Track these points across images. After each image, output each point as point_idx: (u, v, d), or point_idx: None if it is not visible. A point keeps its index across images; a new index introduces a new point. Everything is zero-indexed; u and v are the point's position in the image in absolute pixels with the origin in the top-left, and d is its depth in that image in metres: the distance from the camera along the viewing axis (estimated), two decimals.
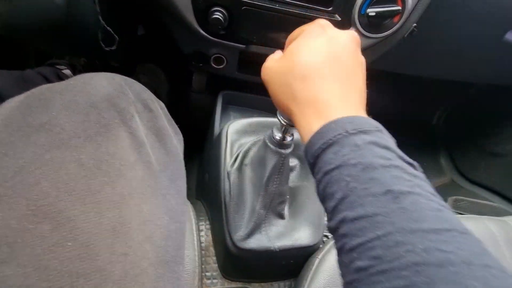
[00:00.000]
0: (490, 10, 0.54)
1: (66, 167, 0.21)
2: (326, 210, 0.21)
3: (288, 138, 0.36)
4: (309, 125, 0.23)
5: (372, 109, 1.14)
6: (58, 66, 0.70)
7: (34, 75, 0.58)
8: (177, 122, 0.38)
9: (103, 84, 0.27)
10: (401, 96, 1.23)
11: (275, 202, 0.40)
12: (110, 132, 0.25)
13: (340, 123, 0.21)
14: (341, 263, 0.20)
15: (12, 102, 0.23)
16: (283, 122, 0.32)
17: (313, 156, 0.22)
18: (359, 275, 0.18)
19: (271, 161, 0.37)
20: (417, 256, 0.16)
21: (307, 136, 0.23)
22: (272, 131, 0.36)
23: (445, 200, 1.03)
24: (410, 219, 0.17)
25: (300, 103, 0.24)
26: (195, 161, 0.83)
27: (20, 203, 0.19)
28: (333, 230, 0.20)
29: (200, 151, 0.79)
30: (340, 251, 0.20)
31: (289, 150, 0.37)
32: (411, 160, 0.21)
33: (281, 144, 0.36)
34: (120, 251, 0.22)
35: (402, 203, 0.18)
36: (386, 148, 0.20)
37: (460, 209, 0.97)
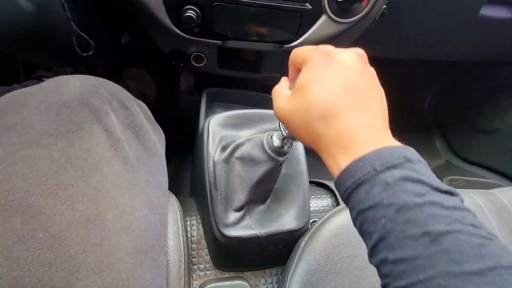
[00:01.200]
0: None
1: (37, 164, 0.22)
2: (366, 244, 0.21)
3: (286, 147, 0.36)
4: (336, 161, 0.22)
5: None
6: (44, 79, 0.71)
7: (20, 88, 0.59)
8: (168, 123, 0.39)
9: (76, 84, 0.28)
10: (391, 82, 1.23)
11: (261, 195, 0.41)
12: (83, 129, 0.26)
13: (368, 160, 0.20)
14: None
15: None
16: (284, 134, 0.31)
17: (344, 194, 0.22)
18: None
19: (265, 165, 0.37)
20: None
21: (335, 173, 0.22)
22: (271, 137, 0.36)
23: (441, 181, 1.03)
24: (451, 262, 0.17)
25: (323, 141, 0.23)
26: (188, 159, 0.84)
27: None
28: (375, 266, 0.20)
29: (193, 149, 0.80)
30: None
31: (285, 157, 0.37)
32: (446, 187, 0.20)
33: (279, 152, 0.36)
34: (94, 241, 0.23)
35: (441, 244, 0.18)
36: (419, 181, 0.19)
37: (456, 188, 0.98)
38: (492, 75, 0.99)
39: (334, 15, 0.47)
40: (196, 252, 0.46)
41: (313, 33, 0.50)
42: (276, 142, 0.35)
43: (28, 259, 0.20)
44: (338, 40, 0.51)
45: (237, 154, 0.40)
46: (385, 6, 0.48)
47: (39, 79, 0.70)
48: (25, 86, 0.60)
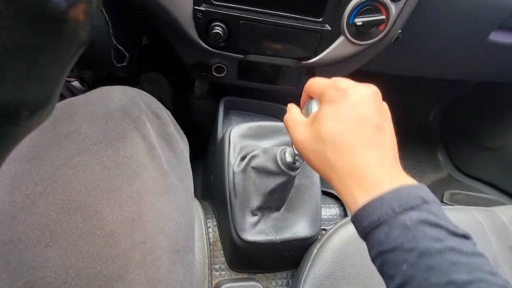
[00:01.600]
0: (473, 13, 0.58)
1: (91, 168, 0.25)
2: (386, 285, 0.21)
3: (298, 163, 0.37)
4: (352, 196, 0.23)
5: None
6: (67, 79, 0.75)
7: None
8: (181, 128, 0.42)
9: (118, 96, 0.31)
10: (397, 94, 1.26)
11: (275, 203, 0.44)
12: (126, 138, 0.29)
13: (386, 200, 0.21)
14: None
15: None
16: (295, 152, 0.32)
17: (362, 232, 0.22)
18: None
19: (278, 178, 0.39)
20: None
21: (351, 207, 0.23)
22: (284, 152, 0.38)
23: (442, 194, 1.06)
24: None
25: (338, 173, 0.23)
26: (199, 163, 0.87)
27: (57, 199, 0.23)
28: None
29: (204, 154, 0.83)
30: None
31: (297, 172, 0.39)
32: (462, 231, 0.21)
33: (291, 167, 0.38)
34: (139, 239, 0.26)
35: None
36: (437, 225, 0.20)
37: (456, 202, 1.00)
38: (497, 94, 1.01)
39: (351, 37, 0.50)
40: (212, 253, 0.49)
41: (331, 52, 0.53)
42: (289, 158, 0.38)
43: (89, 252, 0.23)
44: (353, 59, 0.54)
45: (253, 163, 0.42)
46: (400, 30, 0.51)
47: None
48: None
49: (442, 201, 1.03)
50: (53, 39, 0.10)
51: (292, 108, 0.31)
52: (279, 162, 0.38)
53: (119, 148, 0.28)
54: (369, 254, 0.22)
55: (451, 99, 1.18)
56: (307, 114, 0.28)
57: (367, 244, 0.22)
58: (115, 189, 0.26)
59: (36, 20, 0.09)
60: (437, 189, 1.14)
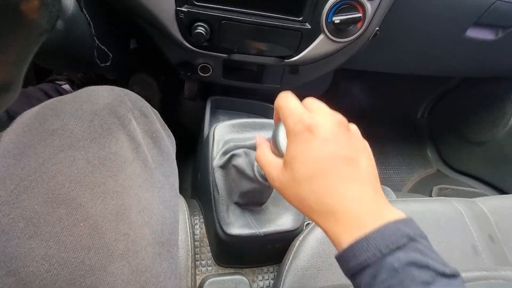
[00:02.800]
0: (450, 10, 0.60)
1: (76, 164, 0.26)
2: None
3: None
4: (335, 236, 0.22)
5: (360, 107, 1.21)
6: (57, 82, 0.75)
7: (35, 91, 0.63)
8: (171, 128, 0.43)
9: (104, 94, 0.32)
10: (386, 92, 1.29)
11: (254, 202, 0.44)
12: (111, 135, 0.30)
13: (371, 241, 0.20)
14: None
15: (30, 113, 0.28)
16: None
17: (348, 272, 0.22)
18: None
19: (253, 184, 0.39)
20: None
21: (336, 246, 0.22)
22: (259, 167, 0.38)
23: (431, 190, 1.08)
24: None
25: (320, 216, 0.23)
26: (189, 163, 0.88)
27: (41, 192, 0.24)
28: None
29: (194, 154, 0.84)
30: None
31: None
32: (450, 270, 0.20)
33: (265, 178, 0.37)
34: (123, 231, 0.27)
35: None
36: (425, 267, 0.20)
37: (444, 196, 1.02)
38: (481, 90, 1.04)
39: (331, 35, 0.51)
40: (199, 249, 0.50)
41: (312, 50, 0.54)
42: (262, 170, 0.36)
43: (73, 243, 0.23)
44: (335, 56, 0.56)
45: (233, 162, 0.43)
46: (378, 28, 0.53)
47: (53, 82, 0.74)
48: (41, 89, 0.65)
49: (430, 196, 1.05)
50: (12, 26, 0.11)
51: (261, 144, 0.30)
52: (255, 170, 0.39)
53: (104, 144, 0.29)
54: None
55: (439, 96, 1.20)
56: (275, 139, 0.28)
57: (353, 284, 0.22)
58: (99, 184, 0.27)
59: None
60: (426, 185, 1.16)
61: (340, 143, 0.24)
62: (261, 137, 0.31)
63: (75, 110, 0.29)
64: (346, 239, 0.21)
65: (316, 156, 0.23)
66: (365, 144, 0.26)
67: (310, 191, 0.23)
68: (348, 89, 1.23)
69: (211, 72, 0.62)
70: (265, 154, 0.28)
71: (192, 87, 0.84)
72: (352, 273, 0.21)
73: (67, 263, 0.23)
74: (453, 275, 0.20)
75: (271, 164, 0.27)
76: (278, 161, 0.27)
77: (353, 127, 0.27)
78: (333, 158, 0.23)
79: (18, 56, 0.12)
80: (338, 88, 1.17)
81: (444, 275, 0.20)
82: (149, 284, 0.27)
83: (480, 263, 0.47)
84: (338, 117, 0.25)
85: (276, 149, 0.28)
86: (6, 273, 0.21)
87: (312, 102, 0.26)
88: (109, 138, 0.29)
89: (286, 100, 0.26)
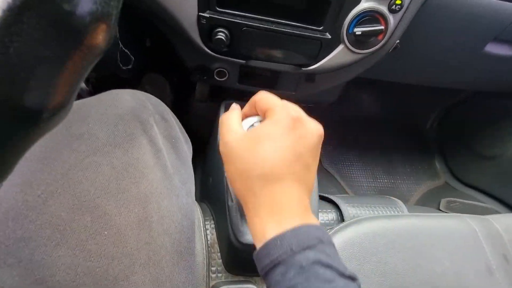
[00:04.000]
0: (470, 25, 0.59)
1: (101, 170, 0.26)
2: None
3: None
4: (262, 226, 0.23)
5: (368, 116, 1.20)
6: None
7: None
8: None
9: (128, 99, 0.32)
10: (396, 101, 1.28)
11: None
12: (134, 140, 0.30)
13: (286, 239, 0.21)
14: None
15: None
16: None
17: (263, 271, 0.22)
18: None
19: None
20: None
21: (257, 238, 0.23)
22: None
23: (438, 202, 1.07)
24: None
25: (256, 200, 0.23)
26: (198, 165, 0.88)
27: (68, 199, 0.24)
28: None
29: (203, 156, 0.84)
30: None
31: None
32: (349, 273, 0.22)
33: None
34: (144, 240, 0.26)
35: None
36: (328, 266, 0.21)
37: (452, 210, 1.01)
38: (493, 103, 1.03)
39: (351, 45, 0.51)
40: (209, 255, 0.50)
41: (330, 60, 0.54)
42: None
43: (97, 252, 0.23)
44: (352, 67, 0.56)
45: None
46: (398, 40, 0.53)
47: None
48: None
49: (438, 209, 1.04)
50: (76, 50, 0.11)
51: (234, 110, 0.29)
52: None
53: (127, 150, 0.29)
54: None
55: (448, 107, 1.20)
56: (244, 125, 0.27)
57: (266, 283, 0.22)
58: (123, 191, 0.27)
59: (62, 33, 0.10)
60: (434, 197, 1.15)
61: (310, 149, 0.25)
62: (237, 104, 0.30)
63: (100, 115, 0.29)
64: (273, 230, 0.22)
65: (287, 147, 0.24)
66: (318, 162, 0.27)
67: (262, 173, 0.23)
68: (357, 98, 1.23)
69: (227, 76, 0.61)
70: (232, 119, 0.27)
71: (203, 90, 0.84)
72: (265, 272, 0.22)
73: (92, 273, 0.23)
74: (352, 278, 0.22)
75: (232, 129, 0.26)
76: (241, 130, 0.26)
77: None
78: (298, 156, 0.24)
79: (77, 78, 0.12)
80: (347, 96, 1.17)
81: (343, 275, 0.21)
82: None
83: (494, 284, 0.46)
84: (320, 126, 0.26)
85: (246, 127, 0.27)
86: (33, 281, 0.21)
87: (295, 107, 0.27)
88: (132, 143, 0.30)
89: (268, 95, 0.28)
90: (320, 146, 0.26)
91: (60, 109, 0.12)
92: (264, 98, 0.27)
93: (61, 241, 0.22)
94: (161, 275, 0.26)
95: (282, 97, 0.28)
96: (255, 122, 0.28)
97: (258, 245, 0.23)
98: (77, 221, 0.23)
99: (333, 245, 0.23)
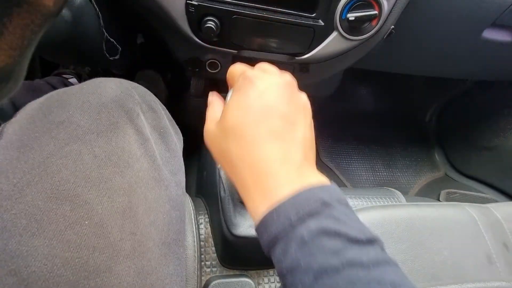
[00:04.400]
0: (467, 10, 0.58)
1: (82, 158, 0.25)
2: None
3: None
4: (254, 203, 0.21)
5: (367, 108, 1.19)
6: (64, 76, 0.75)
7: (42, 84, 0.62)
8: (177, 124, 0.42)
9: (112, 87, 0.31)
10: (394, 94, 1.27)
11: None
12: (119, 129, 0.28)
13: (283, 210, 0.19)
14: None
15: (35, 104, 0.27)
16: None
17: (265, 250, 0.20)
18: None
19: None
20: None
21: (253, 217, 0.21)
22: None
23: (438, 194, 1.06)
24: None
25: (240, 172, 0.21)
26: (194, 161, 0.87)
27: (46, 188, 0.23)
28: None
29: (199, 152, 0.83)
30: None
31: None
32: (366, 236, 0.19)
33: None
34: (129, 231, 0.25)
35: None
36: (336, 234, 0.18)
37: (452, 201, 1.01)
38: (492, 94, 1.02)
39: (344, 32, 0.50)
40: (203, 249, 0.49)
41: (324, 48, 0.53)
42: None
43: (77, 242, 0.22)
44: (347, 55, 0.54)
45: None
46: (393, 26, 0.51)
47: (60, 76, 0.73)
48: (48, 82, 0.64)
49: (438, 200, 1.03)
50: (15, 5, 0.10)
51: (214, 102, 0.28)
52: None
53: (111, 138, 0.28)
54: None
55: (448, 99, 1.19)
56: (225, 99, 0.27)
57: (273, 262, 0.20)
58: (105, 180, 0.26)
59: None
60: (434, 188, 1.14)
61: (280, 99, 0.22)
62: (214, 93, 0.29)
63: (81, 102, 0.28)
64: (262, 207, 0.19)
65: (249, 105, 0.22)
66: (309, 112, 0.24)
67: (235, 141, 0.22)
68: (355, 90, 1.22)
69: (219, 68, 0.60)
70: (214, 110, 0.27)
71: (198, 85, 0.83)
72: (268, 251, 0.19)
73: (71, 264, 0.22)
74: (369, 241, 0.18)
75: (211, 117, 0.26)
76: (218, 116, 0.25)
77: (303, 94, 0.25)
78: (268, 111, 0.22)
79: (22, 40, 0.11)
80: (345, 89, 1.16)
81: (356, 241, 0.18)
82: (155, 287, 0.26)
83: (494, 272, 0.45)
84: (286, 75, 0.24)
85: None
86: (7, 272, 0.20)
87: (263, 64, 0.25)
88: (117, 132, 0.28)
89: (235, 66, 0.26)
90: (299, 95, 0.24)
91: (5, 75, 0.11)
92: (229, 72, 0.27)
93: (37, 231, 0.21)
94: (147, 266, 0.25)
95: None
96: (229, 94, 0.27)
97: (255, 222, 0.20)
98: (55, 210, 0.22)
99: (345, 204, 0.20)
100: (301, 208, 0.19)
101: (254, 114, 0.22)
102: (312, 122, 0.24)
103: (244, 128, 0.22)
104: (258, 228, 0.20)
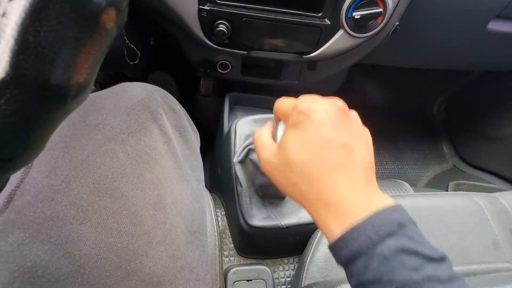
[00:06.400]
0: (472, 2, 0.59)
1: (117, 156, 0.28)
2: None
3: None
4: (327, 226, 0.22)
5: (374, 102, 1.19)
6: None
7: None
8: None
9: (138, 90, 0.34)
10: (401, 87, 1.27)
11: (273, 194, 0.45)
12: (146, 129, 0.31)
13: (362, 230, 0.20)
14: None
15: None
16: None
17: (340, 261, 0.22)
18: None
19: (266, 179, 0.39)
20: None
21: (328, 236, 0.22)
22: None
23: (447, 185, 1.07)
24: None
25: (310, 202, 0.23)
26: (206, 158, 0.90)
27: (88, 182, 0.26)
28: None
29: (210, 150, 0.86)
30: None
31: None
32: (438, 254, 0.21)
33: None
34: (160, 220, 0.28)
35: None
36: (414, 253, 0.20)
37: (461, 191, 1.01)
38: (500, 84, 1.02)
39: (350, 30, 0.52)
40: (221, 240, 0.52)
41: (331, 46, 0.55)
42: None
43: (117, 230, 0.25)
44: (353, 52, 0.56)
45: (251, 156, 0.44)
46: (398, 22, 0.53)
47: None
48: None
49: (447, 191, 1.04)
50: (93, 32, 0.13)
51: (266, 128, 0.29)
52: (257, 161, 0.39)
53: (140, 138, 0.31)
54: (349, 281, 0.22)
55: (455, 91, 1.18)
56: (275, 137, 0.28)
57: (346, 271, 0.22)
58: (138, 175, 0.29)
59: (81, 16, 0.12)
60: (442, 180, 1.15)
61: (336, 128, 0.23)
62: (268, 123, 0.30)
63: (113, 106, 0.31)
64: (337, 228, 0.21)
65: (310, 141, 0.23)
66: (365, 131, 0.26)
67: (301, 177, 0.23)
68: (362, 84, 1.23)
69: (230, 69, 0.63)
70: (263, 136, 0.28)
71: (208, 84, 0.85)
72: (345, 262, 0.21)
73: (114, 248, 0.25)
74: (441, 259, 0.21)
75: (265, 146, 0.27)
76: (273, 145, 0.26)
77: (354, 114, 0.26)
78: (328, 144, 0.23)
79: (96, 59, 0.14)
80: (351, 83, 1.16)
81: (432, 259, 0.20)
82: (184, 270, 0.29)
83: (500, 257, 0.47)
84: (336, 102, 0.25)
85: (275, 137, 0.28)
86: (63, 254, 0.23)
87: (307, 95, 0.26)
88: (144, 132, 0.31)
89: (283, 100, 0.27)
90: (351, 117, 0.25)
91: (83, 88, 0.14)
92: (277, 105, 0.27)
93: (84, 220, 0.24)
94: (177, 252, 0.28)
95: (286, 89, 0.27)
96: (279, 126, 0.28)
97: (330, 239, 0.22)
98: (98, 202, 0.25)
99: (414, 224, 0.22)
100: (379, 228, 0.20)
101: (315, 150, 0.23)
102: (368, 141, 0.25)
103: (308, 165, 0.23)
104: (336, 243, 0.22)
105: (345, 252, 0.21)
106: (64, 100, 0.13)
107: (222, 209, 0.56)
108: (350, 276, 0.21)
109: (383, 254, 0.20)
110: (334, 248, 0.22)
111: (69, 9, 0.12)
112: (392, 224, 0.21)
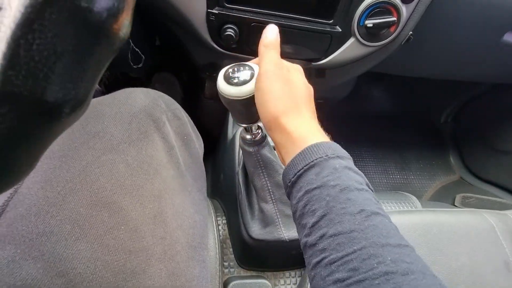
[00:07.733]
0: (487, 14, 0.57)
1: (116, 167, 0.27)
2: (304, 225, 0.23)
3: (259, 135, 0.38)
4: (285, 149, 0.26)
5: (381, 110, 1.17)
6: None
7: None
8: None
9: (141, 97, 0.32)
10: (409, 95, 1.25)
11: (277, 194, 0.44)
12: (148, 138, 0.30)
13: (321, 147, 0.24)
14: (317, 276, 0.21)
15: None
16: (243, 126, 0.36)
17: (295, 176, 0.24)
18: (337, 286, 0.20)
19: (248, 160, 0.39)
20: (386, 267, 0.19)
21: (286, 160, 0.26)
22: (240, 134, 0.38)
23: (453, 198, 1.04)
24: (380, 235, 0.20)
25: (286, 114, 0.26)
26: (208, 163, 0.89)
27: (86, 195, 0.24)
28: (312, 245, 0.22)
29: (213, 153, 0.85)
30: (317, 265, 0.21)
31: (260, 147, 0.38)
32: (370, 187, 0.24)
33: (254, 141, 0.38)
34: (159, 235, 0.27)
35: (373, 221, 0.21)
36: (358, 174, 0.24)
37: (468, 206, 0.99)
38: (510, 97, 0.99)
39: (362, 38, 0.50)
40: (221, 250, 0.50)
41: (341, 54, 0.53)
42: (247, 135, 0.37)
43: (115, 246, 0.24)
44: (364, 60, 0.55)
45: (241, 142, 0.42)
46: (411, 32, 0.51)
47: None
48: None
49: (453, 204, 1.02)
50: (94, 45, 0.11)
51: (274, 44, 0.33)
52: (243, 145, 0.39)
53: (141, 147, 0.29)
54: (295, 199, 0.24)
55: (463, 102, 1.16)
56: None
57: (294, 190, 0.25)
58: (138, 187, 0.27)
59: (80, 29, 0.11)
60: (449, 192, 1.13)
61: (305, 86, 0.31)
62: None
63: (114, 113, 0.29)
64: (295, 150, 0.25)
65: (300, 84, 0.30)
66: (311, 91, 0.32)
67: (304, 102, 0.28)
68: (369, 92, 1.21)
69: None
70: (274, 52, 0.32)
71: (213, 87, 0.84)
72: (298, 176, 0.24)
73: (111, 266, 0.23)
74: (372, 190, 0.24)
75: (272, 59, 0.31)
76: (281, 60, 0.32)
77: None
78: (308, 97, 0.30)
79: (95, 73, 0.13)
80: (359, 91, 1.15)
81: (369, 186, 0.24)
82: None
83: None
84: (299, 66, 0.34)
85: None
86: (56, 273, 0.22)
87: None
88: (146, 141, 0.30)
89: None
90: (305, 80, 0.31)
91: (79, 104, 0.13)
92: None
93: (80, 236, 0.23)
94: (177, 269, 0.27)
95: None
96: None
97: (288, 158, 0.25)
98: (95, 216, 0.24)
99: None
100: (335, 150, 0.24)
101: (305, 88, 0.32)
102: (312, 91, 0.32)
103: (305, 98, 0.30)
104: (295, 158, 0.25)
105: (301, 164, 0.24)
106: (58, 118, 0.12)
107: (223, 217, 0.54)
108: (298, 191, 0.24)
109: (334, 167, 0.23)
110: (292, 163, 0.25)
111: (66, 20, 0.10)
112: (344, 153, 0.25)
